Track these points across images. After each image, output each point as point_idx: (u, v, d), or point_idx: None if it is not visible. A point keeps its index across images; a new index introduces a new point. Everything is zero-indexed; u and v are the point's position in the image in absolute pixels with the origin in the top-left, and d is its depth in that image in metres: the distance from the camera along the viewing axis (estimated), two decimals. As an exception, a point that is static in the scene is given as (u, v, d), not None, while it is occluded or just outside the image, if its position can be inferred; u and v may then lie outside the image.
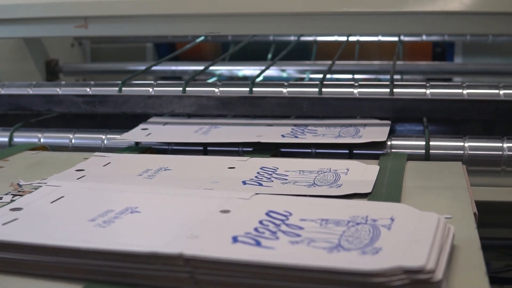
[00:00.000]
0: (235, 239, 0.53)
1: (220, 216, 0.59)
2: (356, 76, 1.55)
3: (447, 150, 0.94)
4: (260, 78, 1.53)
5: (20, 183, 0.79)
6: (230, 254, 0.49)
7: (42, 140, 1.05)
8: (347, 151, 0.95)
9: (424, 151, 0.94)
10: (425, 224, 0.55)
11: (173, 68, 1.60)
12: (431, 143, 0.94)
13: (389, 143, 0.95)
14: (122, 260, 0.51)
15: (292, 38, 1.66)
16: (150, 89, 1.09)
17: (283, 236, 0.54)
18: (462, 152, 0.93)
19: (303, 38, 1.65)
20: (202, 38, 1.54)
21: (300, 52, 1.70)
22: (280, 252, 0.51)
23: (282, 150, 0.97)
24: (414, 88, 1.03)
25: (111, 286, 0.51)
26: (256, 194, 0.65)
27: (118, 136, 1.01)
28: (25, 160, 0.91)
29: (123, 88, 1.10)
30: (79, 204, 0.64)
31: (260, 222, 0.57)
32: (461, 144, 0.94)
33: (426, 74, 1.52)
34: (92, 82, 1.15)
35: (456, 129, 1.11)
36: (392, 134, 0.98)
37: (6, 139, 1.06)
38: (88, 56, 1.82)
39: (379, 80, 1.59)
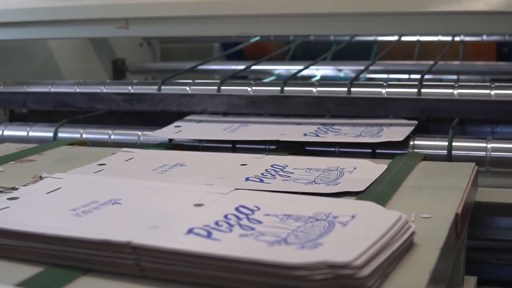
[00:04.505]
0: (190, 231, 0.56)
1: (191, 209, 0.62)
2: (413, 76, 1.54)
3: (469, 151, 0.93)
4: (317, 77, 1.55)
5: (43, 176, 0.84)
6: (174, 244, 0.52)
7: (84, 135, 1.11)
8: (370, 151, 0.96)
9: (446, 151, 0.94)
10: (381, 223, 0.56)
11: (233, 67, 1.63)
12: (453, 143, 0.94)
13: (411, 143, 0.95)
14: (78, 246, 0.54)
15: (357, 38, 1.66)
16: (187, 88, 1.13)
17: (238, 230, 0.56)
18: (484, 153, 0.92)
19: (363, 38, 1.65)
20: (257, 38, 1.57)
21: (362, 52, 1.70)
22: (223, 244, 0.53)
23: (307, 148, 0.98)
24: (443, 88, 1.02)
25: (69, 270, 0.55)
26: (236, 189, 0.67)
27: (151, 133, 1.05)
28: (57, 154, 0.96)
29: (163, 87, 1.14)
30: (71, 195, 0.68)
31: (225, 216, 0.60)
32: (484, 145, 0.93)
33: (483, 74, 1.50)
34: (135, 81, 1.20)
35: (493, 131, 1.10)
36: (426, 134, 0.98)
37: (51, 134, 1.12)
38: (158, 55, 1.88)
39: (440, 80, 1.57)
